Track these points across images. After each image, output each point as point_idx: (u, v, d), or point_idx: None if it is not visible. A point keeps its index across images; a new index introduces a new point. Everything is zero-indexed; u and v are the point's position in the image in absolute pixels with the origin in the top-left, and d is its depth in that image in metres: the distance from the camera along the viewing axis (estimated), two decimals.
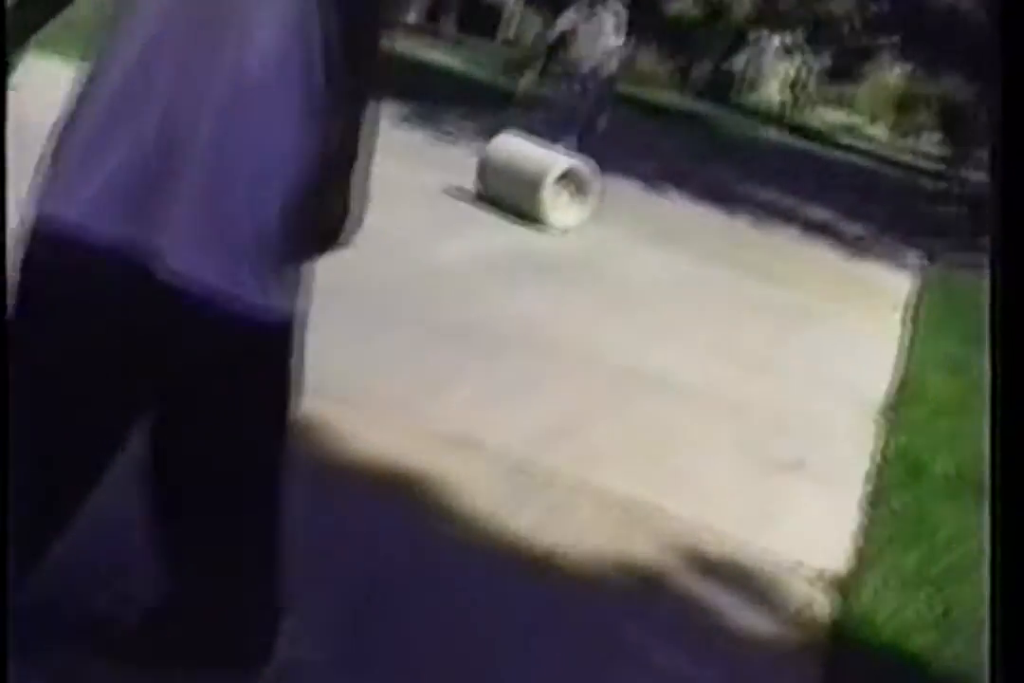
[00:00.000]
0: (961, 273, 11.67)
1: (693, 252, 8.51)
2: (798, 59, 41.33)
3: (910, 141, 57.95)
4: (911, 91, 49.71)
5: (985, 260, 10.22)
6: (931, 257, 12.97)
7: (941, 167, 43.55)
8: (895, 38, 36.29)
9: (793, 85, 41.94)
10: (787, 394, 5.32)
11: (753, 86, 40.38)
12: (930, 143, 55.96)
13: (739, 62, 36.86)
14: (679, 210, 10.79)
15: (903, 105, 54.82)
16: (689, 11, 28.64)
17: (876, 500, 4.04)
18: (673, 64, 30.67)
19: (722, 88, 33.45)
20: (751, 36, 36.53)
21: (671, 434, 4.27)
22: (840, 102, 50.98)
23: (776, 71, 44.44)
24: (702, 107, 27.24)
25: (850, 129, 48.02)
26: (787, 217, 12.33)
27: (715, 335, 6.10)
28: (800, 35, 37.06)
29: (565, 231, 7.81)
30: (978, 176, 39.37)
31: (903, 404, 5.54)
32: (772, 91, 45.55)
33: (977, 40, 29.10)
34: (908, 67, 43.38)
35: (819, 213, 13.63)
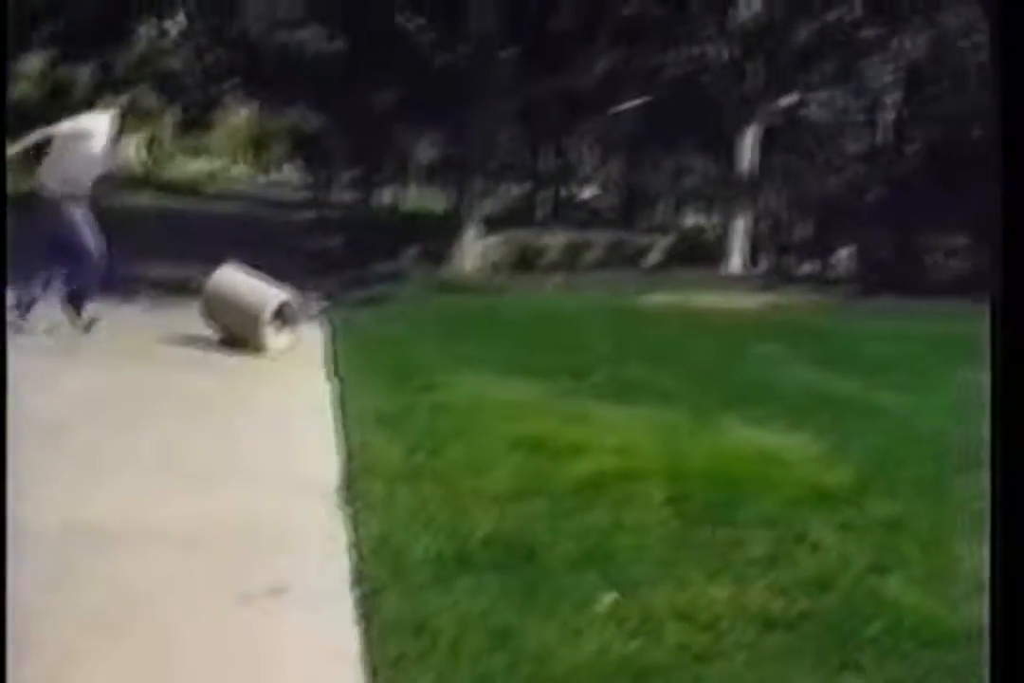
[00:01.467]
0: (363, 311, 11.85)
1: (108, 361, 8.07)
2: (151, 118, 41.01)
3: (274, 175, 59.29)
4: (262, 128, 50.85)
5: (372, 289, 10.37)
6: (329, 297, 13.05)
7: (309, 195, 44.84)
8: (235, 82, 36.79)
9: (149, 143, 41.43)
10: (245, 506, 5.02)
11: None
12: (293, 172, 57.61)
13: None
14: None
15: (258, 143, 55.94)
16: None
17: (367, 612, 3.83)
18: None
19: None
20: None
21: (143, 603, 3.86)
22: (198, 151, 51.10)
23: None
24: None
25: (213, 175, 48.30)
26: (182, 291, 11.99)
27: (152, 457, 5.66)
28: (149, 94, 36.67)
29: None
30: (344, 196, 40.75)
31: (357, 481, 5.39)
32: (130, 152, 44.96)
33: (317, 74, 30.10)
34: (254, 107, 44.33)
35: None
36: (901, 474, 5.74)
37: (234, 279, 9.54)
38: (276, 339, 9.15)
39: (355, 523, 4.78)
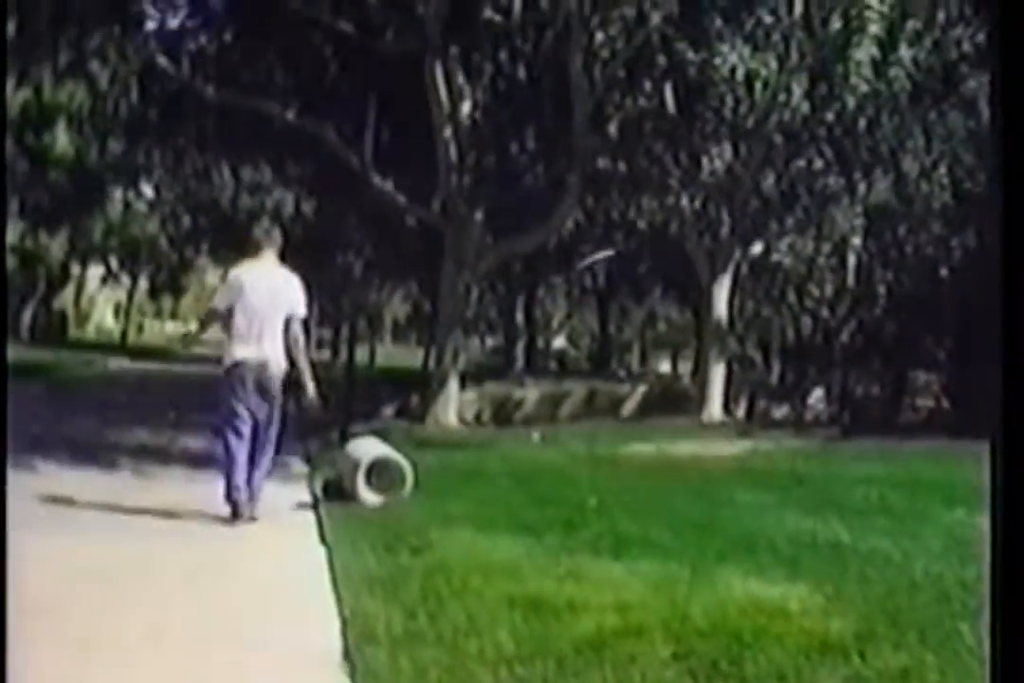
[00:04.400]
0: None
1: (97, 534, 7.99)
2: (122, 284, 41.66)
3: None
4: None
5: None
6: (310, 460, 12.99)
7: None
8: (204, 247, 37.33)
9: (123, 310, 42.00)
10: (246, 679, 4.95)
11: (86, 319, 39.91)
12: None
13: (64, 299, 36.39)
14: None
15: None
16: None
17: None
18: None
19: (55, 328, 32.66)
20: (72, 271, 36.13)
21: None
22: (170, 315, 51.60)
23: (105, 300, 44.51)
24: (39, 353, 26.39)
25: (185, 336, 48.84)
26: (164, 458, 11.97)
27: (144, 632, 5.57)
28: (115, 262, 37.29)
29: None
30: (317, 355, 40.86)
31: (356, 649, 5.33)
32: (106, 319, 45.57)
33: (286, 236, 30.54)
34: (224, 270, 44.79)
35: (190, 441, 13.38)
36: (904, 621, 5.71)
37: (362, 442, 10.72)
38: (368, 494, 9.61)
39: None
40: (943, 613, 5.93)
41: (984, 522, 8.80)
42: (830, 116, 18.74)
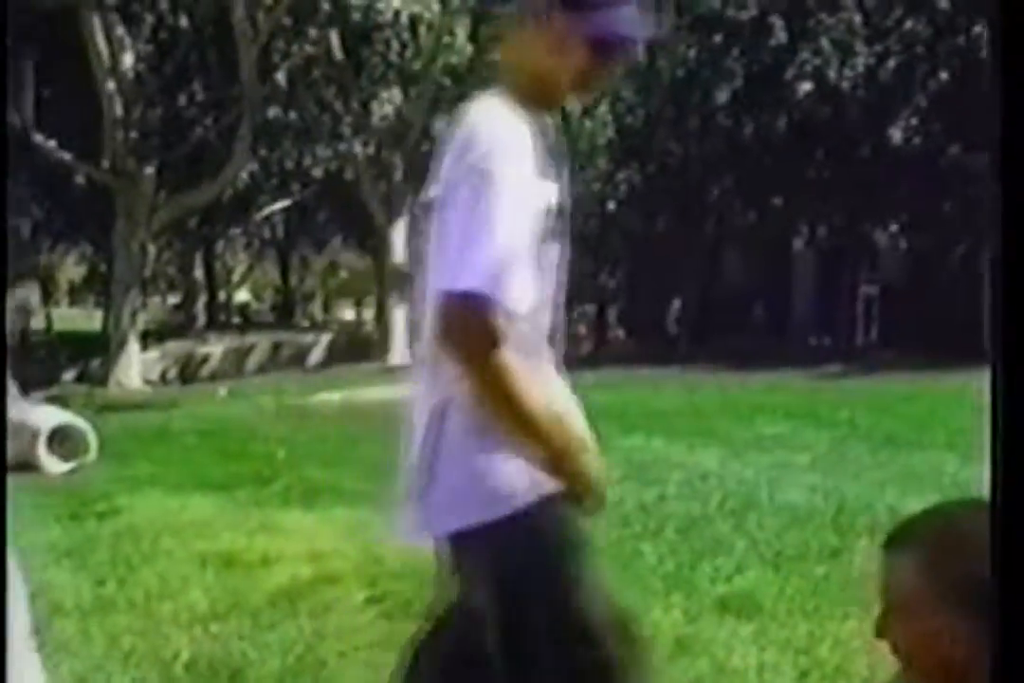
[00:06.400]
0: None
1: None
2: None
3: None
4: None
5: None
6: None
7: None
8: None
9: None
10: None
11: None
12: None
13: None
14: None
15: None
16: None
17: None
18: None
19: None
20: None
21: None
22: None
23: None
24: None
25: None
26: None
27: None
28: None
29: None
30: None
31: (47, 623, 5.20)
32: None
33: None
34: None
35: None
36: None
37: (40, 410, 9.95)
38: (52, 462, 9.23)
39: (50, 667, 4.60)
40: (624, 535, 6.22)
41: (659, 445, 9.26)
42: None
